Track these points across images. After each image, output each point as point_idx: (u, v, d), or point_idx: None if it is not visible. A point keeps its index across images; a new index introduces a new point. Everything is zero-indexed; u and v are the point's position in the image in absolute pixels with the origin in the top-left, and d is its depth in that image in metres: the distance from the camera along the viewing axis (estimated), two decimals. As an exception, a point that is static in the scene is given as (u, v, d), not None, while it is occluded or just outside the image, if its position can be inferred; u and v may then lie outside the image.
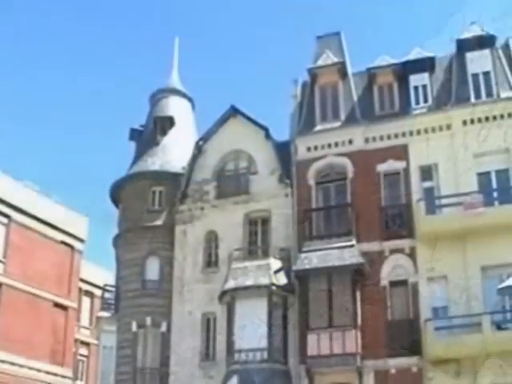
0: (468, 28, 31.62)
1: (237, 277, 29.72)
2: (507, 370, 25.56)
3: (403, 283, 28.49)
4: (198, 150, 33.39)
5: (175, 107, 36.14)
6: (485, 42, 30.94)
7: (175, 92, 36.66)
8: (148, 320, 31.12)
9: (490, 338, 25.83)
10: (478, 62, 30.76)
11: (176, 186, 33.09)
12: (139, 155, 34.82)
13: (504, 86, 30.09)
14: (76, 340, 45.42)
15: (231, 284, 29.61)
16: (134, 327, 31.17)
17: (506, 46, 31.33)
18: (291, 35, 70.15)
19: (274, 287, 29.04)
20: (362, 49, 54.79)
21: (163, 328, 30.98)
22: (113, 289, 33.79)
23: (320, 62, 33.19)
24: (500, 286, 26.33)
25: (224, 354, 29.28)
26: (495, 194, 28.67)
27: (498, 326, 26.28)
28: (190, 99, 37.02)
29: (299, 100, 33.45)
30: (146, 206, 33.07)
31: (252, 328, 28.58)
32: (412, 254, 28.57)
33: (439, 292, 27.82)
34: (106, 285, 34.96)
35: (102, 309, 34.53)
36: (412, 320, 27.70)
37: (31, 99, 79.15)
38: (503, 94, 29.87)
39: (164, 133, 34.95)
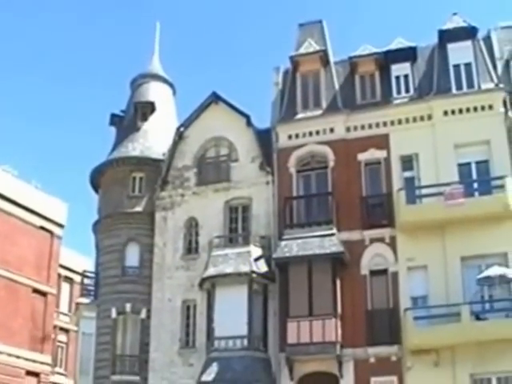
0: (450, 19, 31.45)
1: (217, 264, 29.56)
2: (486, 359, 25.52)
3: (383, 272, 28.45)
4: (179, 137, 33.05)
5: (156, 93, 35.76)
6: (466, 33, 30.81)
7: (156, 77, 36.26)
8: (128, 306, 30.87)
9: (468, 328, 25.86)
10: (460, 53, 30.62)
11: (156, 172, 32.78)
12: (119, 141, 34.44)
13: (485, 77, 30.00)
14: (55, 326, 45.01)
15: (211, 271, 29.43)
16: (114, 314, 30.91)
17: (487, 38, 31.22)
18: (273, 22, 69.82)
19: (254, 275, 28.91)
20: (344, 37, 54.60)
21: (143, 315, 30.75)
22: (92, 275, 33.53)
23: (302, 50, 32.93)
24: (479, 277, 26.45)
25: (204, 342, 29.18)
26: (475, 185, 28.62)
27: (477, 316, 26.28)
28: (171, 85, 36.64)
29: (281, 88, 33.21)
30: (126, 192, 32.76)
31: (232, 315, 28.45)
32: (392, 244, 28.51)
33: (419, 281, 27.75)
34: (85, 271, 34.65)
35: (82, 295, 34.22)
36: (392, 309, 27.67)
37: (11, 86, 78.06)
38: (484, 86, 29.80)
39: (145, 118, 34.58)
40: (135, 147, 33.63)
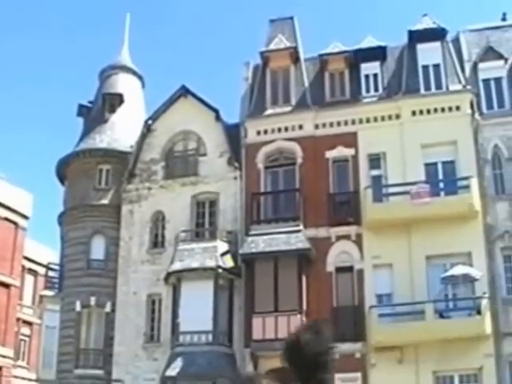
0: (420, 20, 31.80)
1: (183, 258, 29.63)
2: (449, 357, 25.94)
3: (349, 269, 28.74)
4: (147, 129, 33.00)
5: (125, 84, 35.65)
6: (436, 34, 31.25)
7: (125, 69, 36.14)
8: (92, 300, 30.82)
9: (432, 326, 26.29)
10: (429, 53, 31.02)
11: (124, 164, 32.71)
12: (87, 132, 34.30)
13: (453, 79, 30.43)
14: (18, 319, 44.40)
15: (177, 265, 29.50)
16: (78, 307, 30.83)
17: (456, 40, 31.64)
18: (245, 17, 69.61)
19: (220, 270, 29.04)
20: (314, 34, 54.61)
21: (108, 308, 30.70)
22: (57, 267, 33.36)
23: (272, 46, 33.05)
24: (443, 275, 26.89)
25: (169, 336, 29.25)
26: (441, 185, 29.03)
27: (441, 315, 26.73)
28: (140, 77, 36.53)
29: (250, 83, 33.30)
30: (93, 184, 32.65)
31: (197, 310, 28.53)
32: (358, 241, 28.81)
33: (384, 279, 28.08)
34: (50, 263, 34.50)
35: (46, 287, 34.08)
36: (357, 306, 27.99)
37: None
38: (452, 87, 30.23)
39: (113, 110, 34.45)
40: (102, 139, 33.52)
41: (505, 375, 25.76)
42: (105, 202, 32.26)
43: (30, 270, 47.78)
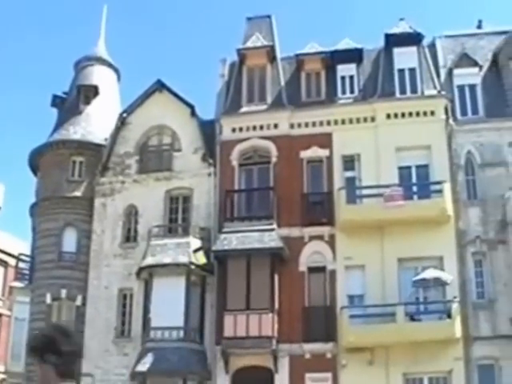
0: (397, 24, 31.60)
1: (155, 253, 29.13)
2: (419, 359, 25.84)
3: (321, 270, 28.48)
4: (122, 122, 32.38)
5: (100, 76, 34.92)
6: (412, 39, 31.08)
7: (101, 61, 35.39)
8: (63, 292, 30.11)
9: (403, 328, 26.20)
10: (405, 57, 30.86)
11: (97, 157, 32.04)
12: (61, 123, 33.50)
13: (428, 83, 30.29)
14: (-13, 310, 43.58)
15: (149, 260, 28.99)
16: (49, 299, 30.09)
17: (432, 46, 31.53)
18: (223, 14, 68.65)
19: (192, 266, 28.60)
20: (292, 34, 54.08)
21: (78, 301, 30.03)
22: (28, 259, 32.54)
23: (249, 44, 32.62)
24: (415, 279, 26.75)
25: (140, 331, 28.74)
26: (415, 189, 28.91)
27: (412, 317, 26.62)
28: (115, 70, 35.80)
29: (226, 80, 32.81)
30: (66, 176, 31.89)
31: (169, 306, 28.03)
32: (331, 242, 28.55)
33: (356, 280, 27.89)
34: (20, 254, 33.55)
35: (16, 279, 33.30)
36: (328, 307, 27.75)
37: None
38: (427, 92, 30.11)
39: (87, 102, 33.71)
40: (76, 130, 32.79)
41: (473, 379, 25.75)
42: (77, 194, 31.57)
43: (1, 261, 46.61)
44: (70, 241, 31.00)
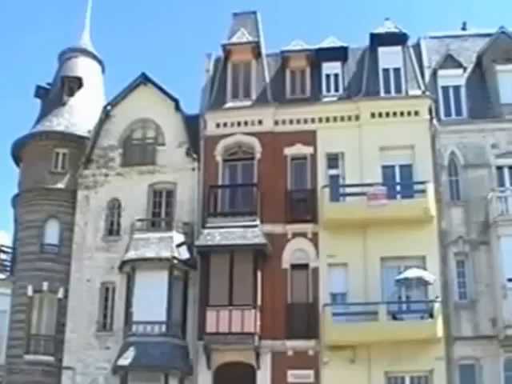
0: (382, 23, 31.25)
1: (138, 247, 28.60)
2: (400, 358, 25.58)
3: (304, 267, 28.09)
4: (106, 115, 31.68)
5: (84, 68, 34.08)
6: (397, 38, 30.72)
7: (85, 53, 34.52)
8: (45, 285, 29.37)
9: (385, 327, 25.87)
10: (390, 57, 30.51)
11: (81, 149, 31.32)
12: (44, 114, 32.66)
13: (413, 84, 29.98)
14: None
15: (132, 254, 28.44)
16: (30, 291, 29.33)
17: (417, 46, 31.23)
18: (209, 8, 67.26)
19: (175, 261, 28.09)
20: (277, 31, 53.08)
21: (60, 294, 29.32)
22: (9, 250, 31.69)
23: (234, 39, 32.07)
24: (397, 278, 26.49)
25: (122, 325, 28.19)
26: (398, 188, 28.57)
27: (394, 316, 26.32)
28: (100, 62, 34.95)
29: (211, 75, 32.25)
30: (49, 168, 31.09)
31: (151, 300, 27.54)
32: (314, 239, 28.17)
33: (339, 278, 27.52)
34: (2, 245, 32.58)
35: (-3, 270, 32.41)
36: (311, 304, 27.36)
37: None
38: (411, 92, 29.80)
39: (71, 93, 32.91)
40: (60, 122, 32.01)
41: (455, 378, 25.52)
42: (60, 186, 30.83)
43: (-18, 252, 45.70)
44: (52, 233, 30.27)
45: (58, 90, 33.01)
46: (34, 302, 29.46)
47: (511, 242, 25.91)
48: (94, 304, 28.88)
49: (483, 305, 26.19)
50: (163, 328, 27.37)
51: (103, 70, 35.14)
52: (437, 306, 25.89)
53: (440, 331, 25.65)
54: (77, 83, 33.10)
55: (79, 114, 32.46)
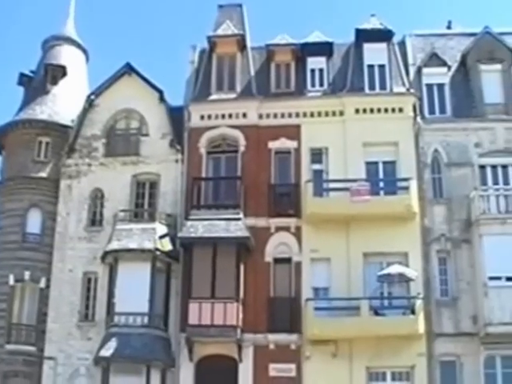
0: (368, 19, 30.86)
1: (121, 238, 28.09)
2: (382, 354, 25.37)
3: (287, 261, 27.73)
4: (89, 104, 30.99)
5: (68, 57, 33.27)
6: (382, 35, 30.37)
7: (69, 41, 33.70)
8: (27, 274, 28.70)
9: (367, 323, 25.61)
10: (375, 54, 30.15)
11: (64, 138, 30.63)
12: (27, 102, 31.86)
13: (397, 81, 29.69)
14: None
15: (114, 245, 27.94)
16: (12, 281, 28.64)
17: (402, 43, 30.89)
18: (194, 0, 66.10)
19: (158, 252, 27.63)
20: (262, 24, 52.44)
21: (42, 284, 28.69)
22: (-9, 239, 30.94)
23: (220, 32, 31.54)
24: (380, 274, 26.28)
25: (104, 316, 27.63)
26: (381, 184, 28.30)
27: (376, 312, 26.07)
28: (84, 50, 34.12)
29: (196, 66, 31.68)
30: (31, 156, 30.39)
31: (134, 292, 27.06)
32: (297, 234, 27.81)
33: (321, 273, 27.19)
34: (-17, 234, 31.91)
35: (-22, 259, 31.58)
36: (293, 298, 27.01)
37: None
38: (396, 89, 29.51)
39: (55, 82, 32.13)
40: (43, 110, 31.26)
41: (436, 375, 25.36)
42: (43, 175, 30.14)
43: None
44: (34, 222, 29.61)
45: (42, 78, 32.22)
46: (16, 292, 28.81)
47: (493, 240, 25.76)
48: (76, 294, 28.31)
49: (464, 302, 26.05)
50: (145, 319, 26.94)
51: (87, 59, 34.35)
52: (418, 303, 25.69)
53: (421, 327, 25.46)
54: (60, 72, 32.31)
55: (62, 103, 31.72)
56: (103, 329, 27.34)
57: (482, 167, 27.87)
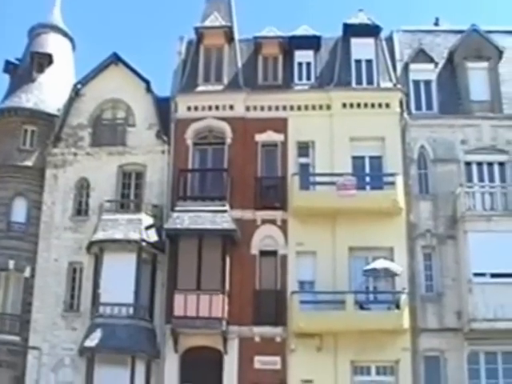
0: (356, 14, 30.56)
1: (106, 229, 27.64)
2: (367, 348, 25.20)
3: (273, 254, 27.45)
4: (76, 93, 30.40)
5: (55, 45, 32.60)
6: (370, 30, 30.10)
7: (56, 29, 33.02)
8: (11, 263, 28.15)
9: (352, 317, 25.42)
10: (362, 48, 29.88)
11: (50, 127, 30.06)
12: (13, 90, 31.17)
13: (384, 76, 29.43)
14: None
15: (100, 235, 27.49)
16: (-4, 270, 28.13)
17: (389, 39, 30.64)
18: None
19: (143, 243, 27.22)
20: (250, 17, 51.68)
21: (27, 273, 28.13)
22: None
23: (207, 23, 31.08)
24: (365, 268, 26.09)
25: (89, 306, 27.22)
26: (368, 179, 28.10)
27: (361, 306, 25.92)
28: (70, 39, 33.44)
29: (184, 58, 31.22)
30: (17, 145, 29.77)
31: (119, 282, 26.66)
32: (283, 227, 27.52)
33: (307, 266, 26.94)
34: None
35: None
36: (279, 291, 26.75)
37: None
38: (383, 84, 29.26)
39: (41, 70, 31.48)
40: (29, 99, 30.64)
41: (420, 369, 25.23)
42: (28, 163, 29.56)
43: None
44: (19, 211, 29.04)
45: (28, 66, 31.56)
46: (0, 281, 28.26)
47: (478, 237, 25.63)
48: (61, 284, 27.83)
49: (449, 298, 25.93)
50: (131, 310, 26.57)
51: (74, 48, 33.68)
52: (403, 298, 25.54)
53: (406, 322, 25.33)
54: (47, 60, 31.67)
55: (49, 91, 31.11)
56: (88, 319, 26.92)
57: (468, 164, 27.73)
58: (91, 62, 31.08)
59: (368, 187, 27.73)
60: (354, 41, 30.02)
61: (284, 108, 29.21)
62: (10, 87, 31.63)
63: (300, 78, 30.05)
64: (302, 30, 30.82)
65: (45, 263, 28.12)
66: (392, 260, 26.25)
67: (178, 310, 26.13)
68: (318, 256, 26.99)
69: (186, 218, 27.33)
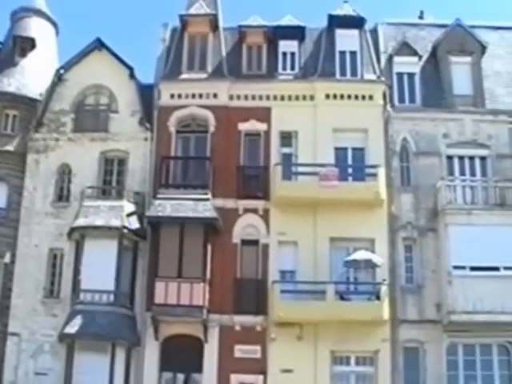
0: (341, 6, 30.22)
1: (88, 215, 27.15)
2: (347, 338, 25.00)
3: (254, 243, 27.12)
4: (58, 78, 29.79)
5: (38, 29, 31.89)
6: (354, 22, 29.85)
7: (39, 13, 32.29)
8: (-9, 249, 27.59)
9: (332, 307, 25.19)
10: (347, 40, 29.61)
11: (32, 112, 29.38)
12: (-6, 73, 30.51)
13: (368, 68, 29.17)
14: None
15: (81, 221, 27.00)
16: (-25, 255, 27.53)
17: (374, 31, 30.35)
18: None
19: (125, 230, 26.79)
20: (235, 6, 51.01)
21: (7, 259, 27.52)
22: (-45, 209, 29.60)
23: (192, 10, 30.62)
24: (346, 259, 25.84)
25: (69, 293, 26.74)
26: (350, 170, 27.83)
27: (342, 296, 25.71)
28: (54, 24, 32.73)
29: (167, 45, 30.71)
30: (-2, 129, 29.12)
31: (100, 269, 26.22)
32: (265, 216, 27.20)
33: (288, 256, 26.67)
34: None
35: None
36: (260, 280, 26.45)
37: None
38: (367, 76, 29.01)
39: (23, 54, 30.79)
40: (11, 83, 29.96)
41: (399, 360, 25.09)
42: (10, 148, 28.91)
43: None
44: (0, 196, 28.38)
45: (10, 50, 30.84)
46: (-20, 266, 27.66)
47: (458, 230, 25.52)
48: (42, 270, 27.29)
49: (429, 290, 25.80)
50: (111, 297, 26.17)
51: (57, 33, 32.94)
52: (384, 289, 25.36)
53: (386, 313, 25.16)
54: (29, 44, 30.98)
55: (31, 76, 30.42)
56: (68, 306, 26.45)
57: (450, 158, 27.57)
58: (75, 48, 30.67)
59: (350, 178, 27.49)
60: (338, 32, 29.73)
61: (268, 97, 28.82)
62: (-8, 71, 30.84)
63: (284, 68, 29.69)
64: (287, 20, 30.46)
65: (25, 249, 27.54)
66: (373, 251, 26.05)
67: (159, 298, 25.75)
68: (299, 246, 26.72)
69: (168, 206, 26.92)
